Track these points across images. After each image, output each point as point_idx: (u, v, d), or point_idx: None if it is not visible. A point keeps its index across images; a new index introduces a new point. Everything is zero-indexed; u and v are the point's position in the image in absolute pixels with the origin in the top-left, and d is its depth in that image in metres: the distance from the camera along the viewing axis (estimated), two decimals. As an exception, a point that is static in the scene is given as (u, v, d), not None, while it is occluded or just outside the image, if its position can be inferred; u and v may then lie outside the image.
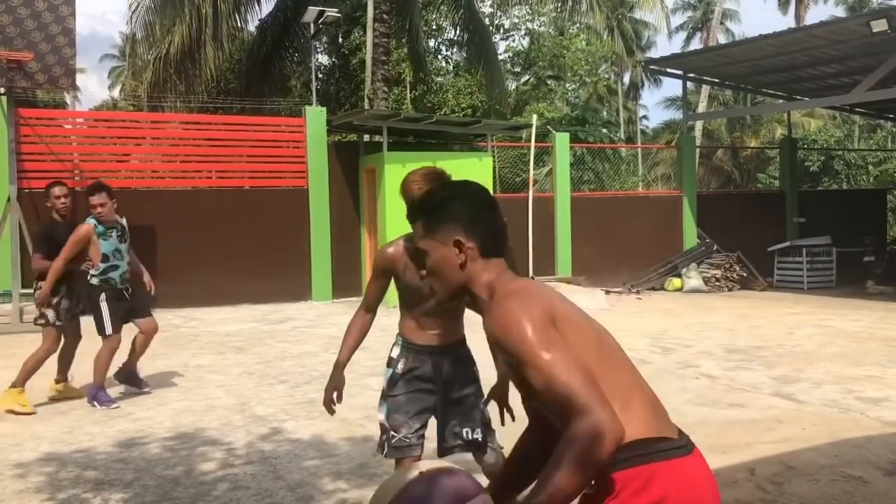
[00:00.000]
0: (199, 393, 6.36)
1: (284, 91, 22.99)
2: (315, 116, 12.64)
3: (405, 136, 13.51)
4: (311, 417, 5.63)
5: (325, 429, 5.30)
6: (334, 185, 12.67)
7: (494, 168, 13.40)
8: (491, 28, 24.52)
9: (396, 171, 11.92)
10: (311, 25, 15.88)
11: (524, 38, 29.41)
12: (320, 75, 22.76)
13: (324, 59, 24.82)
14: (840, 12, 37.74)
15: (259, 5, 20.23)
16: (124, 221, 6.11)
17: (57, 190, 6.15)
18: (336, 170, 12.73)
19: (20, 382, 5.85)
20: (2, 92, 10.25)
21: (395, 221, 11.82)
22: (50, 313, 5.94)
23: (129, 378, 6.36)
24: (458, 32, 21.87)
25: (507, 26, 28.01)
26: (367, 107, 16.51)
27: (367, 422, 5.47)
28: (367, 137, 13.91)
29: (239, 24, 19.58)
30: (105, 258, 5.91)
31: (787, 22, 53.13)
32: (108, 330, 5.95)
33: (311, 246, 12.44)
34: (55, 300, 5.94)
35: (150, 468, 4.57)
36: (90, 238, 5.85)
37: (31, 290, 9.96)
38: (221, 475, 4.44)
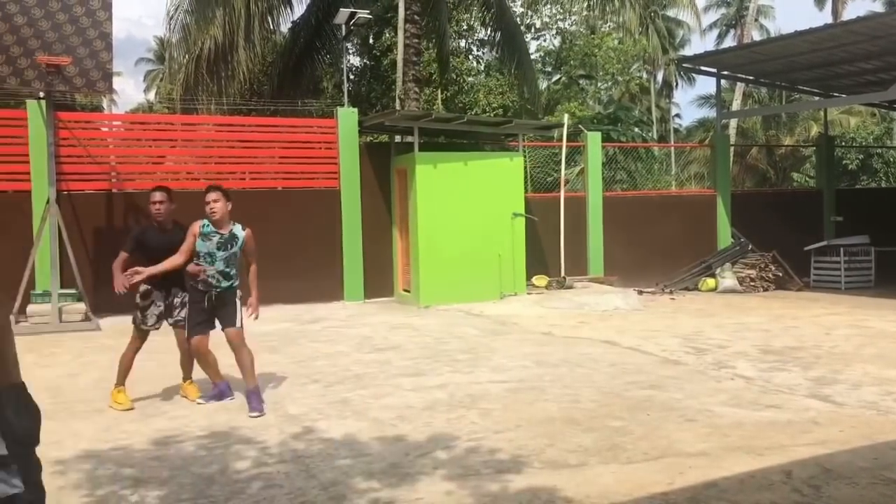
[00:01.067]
0: (233, 392, 6.42)
1: (316, 93, 23.18)
2: (347, 117, 12.70)
3: (436, 136, 13.53)
4: (343, 417, 5.67)
5: (357, 428, 5.33)
6: (366, 186, 12.70)
7: (526, 168, 13.35)
8: (522, 27, 24.45)
9: (428, 171, 11.95)
10: (343, 27, 15.99)
11: (555, 38, 29.30)
12: (352, 76, 22.89)
13: (355, 60, 24.98)
14: (878, 7, 37.03)
15: (291, 7, 20.37)
16: (240, 231, 6.00)
17: (156, 195, 6.19)
18: (368, 171, 12.77)
19: (119, 381, 6.04)
20: (41, 96, 10.40)
21: (427, 222, 11.86)
22: (137, 314, 6.07)
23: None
24: (488, 32, 21.85)
25: (537, 25, 27.92)
26: (398, 107, 16.57)
27: (398, 421, 5.50)
28: (398, 138, 13.95)
29: (271, 27, 19.75)
30: (196, 256, 5.92)
31: (823, 18, 52.18)
32: (186, 332, 6.08)
33: (342, 247, 12.50)
34: (145, 303, 6.05)
35: (186, 466, 4.62)
36: (195, 233, 5.89)
37: (72, 290, 10.23)
38: (255, 473, 4.48)
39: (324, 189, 12.57)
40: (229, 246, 5.96)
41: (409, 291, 12.38)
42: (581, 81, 30.47)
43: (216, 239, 5.92)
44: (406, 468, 4.52)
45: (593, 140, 14.71)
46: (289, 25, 21.10)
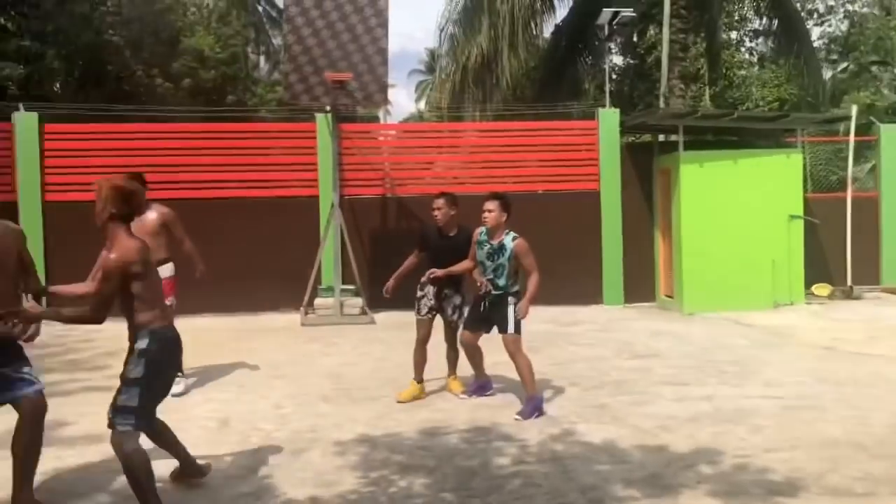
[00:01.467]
0: (494, 389, 6.59)
1: (577, 94, 23.12)
2: (608, 118, 12.51)
3: (703, 134, 12.87)
4: (602, 422, 5.59)
5: (617, 434, 5.22)
6: (627, 187, 12.41)
7: (805, 166, 12.25)
8: (802, 13, 22.55)
9: (693, 171, 11.42)
10: (606, 27, 15.82)
11: (842, 22, 26.63)
12: (614, 76, 22.56)
13: (618, 59, 24.57)
14: None
15: (554, 11, 20.56)
16: (509, 242, 6.00)
17: (437, 201, 6.55)
18: (629, 172, 12.46)
19: (415, 376, 6.46)
20: (328, 109, 11.42)
21: (692, 224, 11.33)
22: (416, 303, 6.50)
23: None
24: (764, 21, 20.43)
25: (821, 10, 25.57)
26: (661, 105, 16.05)
27: (660, 431, 5.30)
28: (662, 137, 13.48)
29: (535, 31, 20.04)
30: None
31: None
32: (458, 330, 6.41)
33: (602, 249, 12.33)
34: (420, 293, 6.46)
35: (450, 457, 4.82)
36: (474, 241, 6.19)
37: (351, 286, 11.16)
38: (515, 471, 4.56)
39: (584, 191, 12.46)
40: (496, 256, 6.00)
41: (671, 297, 11.91)
42: (873, 68, 27.35)
43: (486, 248, 6.04)
44: (667, 479, 4.34)
45: (888, 133, 13.15)
46: (551, 29, 21.32)
